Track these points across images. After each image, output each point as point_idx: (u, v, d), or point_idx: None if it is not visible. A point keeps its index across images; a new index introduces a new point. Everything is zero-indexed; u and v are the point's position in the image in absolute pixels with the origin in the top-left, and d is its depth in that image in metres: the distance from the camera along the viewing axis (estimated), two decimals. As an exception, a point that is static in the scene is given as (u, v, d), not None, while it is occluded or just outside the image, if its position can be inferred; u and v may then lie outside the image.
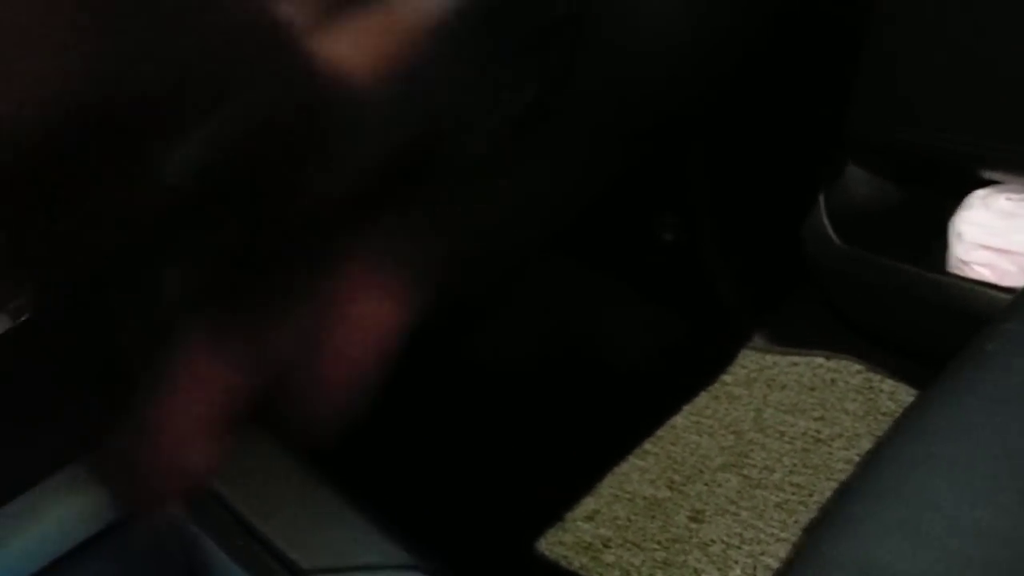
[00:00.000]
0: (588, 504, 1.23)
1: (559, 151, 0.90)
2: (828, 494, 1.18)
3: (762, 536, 1.15)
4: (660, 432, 1.30)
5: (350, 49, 0.22)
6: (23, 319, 0.48)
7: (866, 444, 1.24)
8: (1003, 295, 1.05)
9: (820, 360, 1.35)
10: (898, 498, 0.55)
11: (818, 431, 1.26)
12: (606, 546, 1.18)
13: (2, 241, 0.21)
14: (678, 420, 1.31)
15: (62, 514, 0.62)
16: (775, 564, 1.12)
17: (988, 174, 1.08)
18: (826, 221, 1.20)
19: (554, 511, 1.23)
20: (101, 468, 0.63)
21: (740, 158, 1.28)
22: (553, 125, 0.87)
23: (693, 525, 1.18)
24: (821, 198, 1.19)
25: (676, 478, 1.24)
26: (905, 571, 0.53)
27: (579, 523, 1.22)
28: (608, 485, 1.25)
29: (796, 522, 1.16)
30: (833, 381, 1.32)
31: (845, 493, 0.59)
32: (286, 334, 0.24)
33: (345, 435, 0.70)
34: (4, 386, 0.52)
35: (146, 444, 0.62)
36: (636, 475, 1.26)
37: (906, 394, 1.29)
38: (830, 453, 1.24)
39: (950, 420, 0.60)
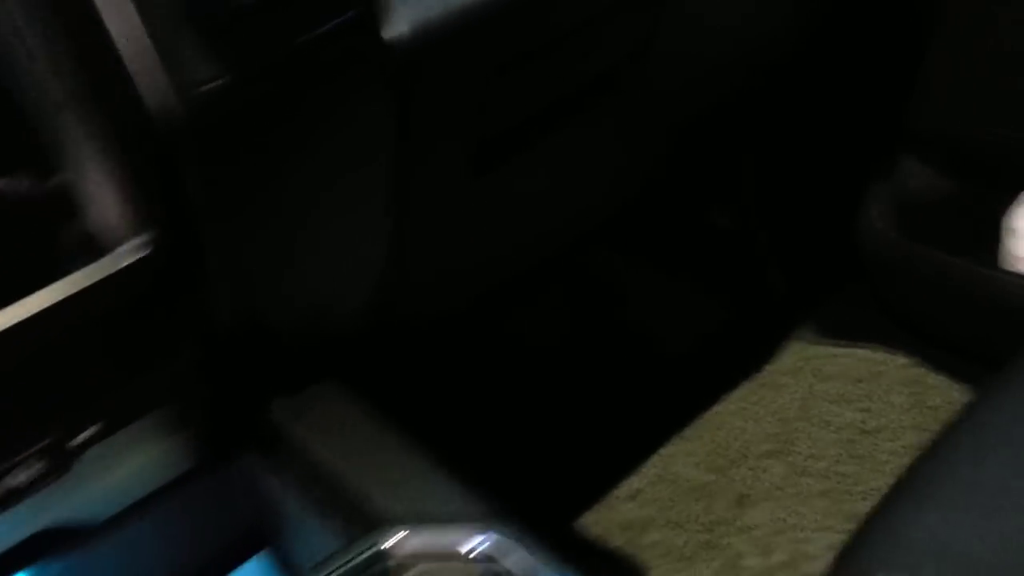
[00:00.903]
0: (631, 484, 1.25)
1: (624, 124, 0.91)
2: (873, 484, 1.19)
3: (805, 523, 1.16)
4: (705, 416, 1.31)
5: None
6: (142, 256, 0.50)
7: (912, 437, 1.25)
8: (1058, 291, 1.05)
9: (867, 352, 1.35)
10: (971, 482, 0.56)
11: (864, 422, 1.27)
12: (648, 526, 1.19)
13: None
14: (723, 406, 1.32)
15: (143, 459, 0.65)
16: (817, 552, 1.13)
17: (1047, 169, 1.08)
18: (878, 213, 1.20)
19: (597, 490, 1.25)
20: (182, 416, 0.65)
21: (796, 148, 1.28)
22: (622, 96, 0.88)
23: (737, 509, 1.19)
24: (874, 190, 1.20)
25: (720, 462, 1.25)
26: (976, 552, 0.54)
27: (622, 502, 1.23)
28: (652, 466, 1.27)
29: (840, 511, 1.17)
30: (880, 374, 1.32)
31: (917, 474, 0.60)
32: None
33: (409, 399, 0.72)
34: (101, 331, 0.54)
35: (225, 395, 0.64)
36: (680, 458, 1.27)
37: (953, 389, 1.29)
38: (875, 444, 1.24)
39: (1020, 408, 0.61)
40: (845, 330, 1.37)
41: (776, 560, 1.13)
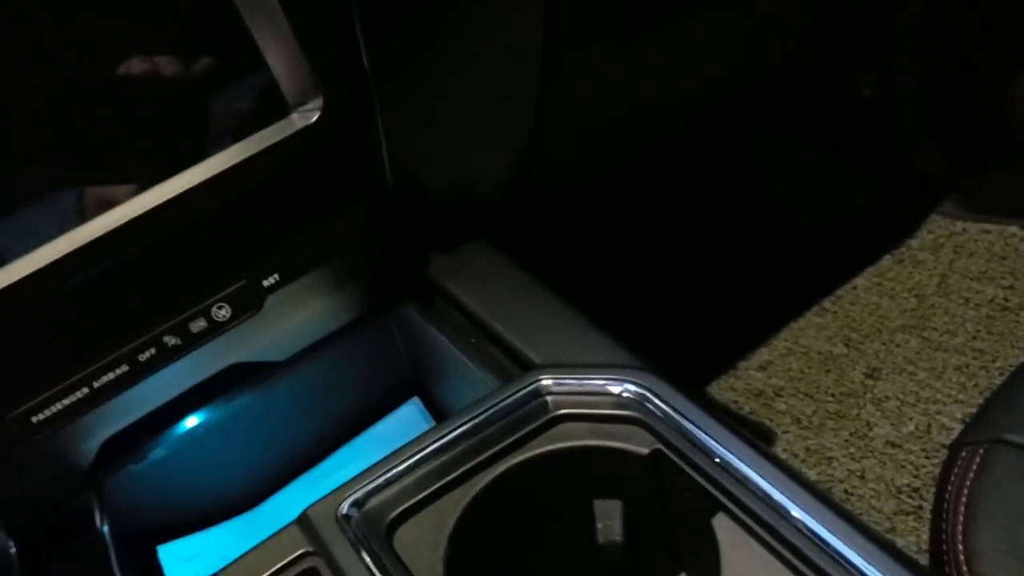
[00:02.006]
0: (762, 355, 1.27)
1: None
2: (1012, 360, 1.17)
3: (939, 396, 1.17)
4: (840, 292, 1.31)
5: None
6: (318, 117, 0.54)
7: (1055, 316, 1.22)
8: None
9: (1014, 229, 1.31)
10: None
11: (1006, 299, 1.25)
12: (778, 395, 1.22)
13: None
14: (859, 281, 1.32)
15: (318, 306, 0.70)
16: (951, 424, 1.14)
17: None
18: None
19: (726, 360, 1.27)
20: (352, 269, 0.70)
21: (951, 12, 1.22)
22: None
23: (868, 381, 1.20)
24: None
25: (853, 336, 1.26)
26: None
27: (752, 372, 1.25)
28: (783, 339, 1.28)
29: (976, 386, 1.16)
30: (1026, 251, 1.29)
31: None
32: None
33: (551, 265, 0.75)
34: (284, 187, 0.59)
35: (389, 250, 0.69)
36: (812, 331, 1.28)
37: (1103, 268, 1.25)
38: (1016, 322, 1.22)
39: None
40: (991, 205, 1.33)
41: (907, 430, 1.14)
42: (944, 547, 0.64)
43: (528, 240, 0.78)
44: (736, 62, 1.06)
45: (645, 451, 0.55)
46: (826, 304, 1.30)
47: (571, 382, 0.58)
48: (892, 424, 1.15)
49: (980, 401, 1.18)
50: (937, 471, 1.13)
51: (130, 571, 0.63)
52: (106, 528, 0.63)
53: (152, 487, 0.68)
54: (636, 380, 0.57)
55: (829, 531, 0.48)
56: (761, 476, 0.51)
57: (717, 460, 0.52)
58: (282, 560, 0.54)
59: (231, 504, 0.74)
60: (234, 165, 0.54)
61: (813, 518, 0.48)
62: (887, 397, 1.18)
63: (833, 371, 1.23)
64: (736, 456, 0.52)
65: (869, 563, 0.46)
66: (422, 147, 0.67)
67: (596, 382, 0.57)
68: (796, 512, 0.49)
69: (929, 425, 1.14)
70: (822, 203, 1.39)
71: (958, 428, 1.13)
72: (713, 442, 0.53)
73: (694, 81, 1.03)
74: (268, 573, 0.53)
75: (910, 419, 1.15)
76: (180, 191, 0.52)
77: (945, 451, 1.14)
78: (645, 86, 0.95)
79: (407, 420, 0.80)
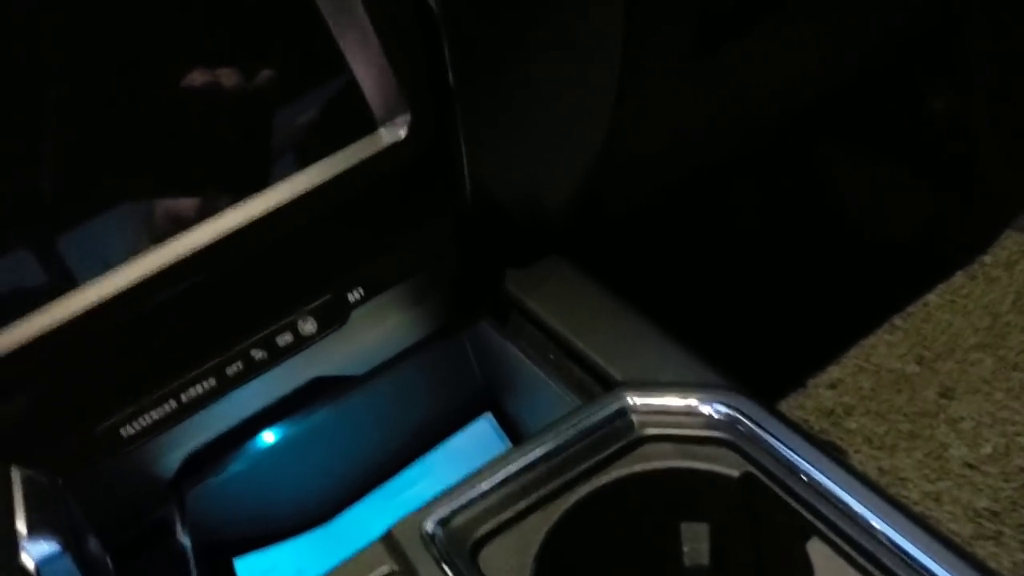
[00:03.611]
0: (832, 373, 1.24)
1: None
2: (1093, 381, 1.14)
3: (1017, 417, 1.13)
4: (911, 309, 1.28)
5: None
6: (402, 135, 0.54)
7: None
8: None
9: (1093, 246, 1.28)
10: None
11: (1085, 318, 1.21)
12: (848, 413, 1.19)
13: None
14: (931, 298, 1.29)
15: (397, 320, 0.70)
16: (1029, 445, 1.10)
17: None
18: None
19: (796, 377, 1.25)
20: (431, 284, 0.70)
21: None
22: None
23: (942, 401, 1.17)
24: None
25: (926, 354, 1.23)
26: None
27: (821, 390, 1.23)
28: (854, 356, 1.25)
29: (1055, 407, 1.13)
30: (1106, 268, 1.25)
31: None
32: None
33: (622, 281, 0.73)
34: (368, 203, 0.59)
35: (467, 266, 0.69)
36: (883, 348, 1.25)
37: None
38: (1096, 341, 1.19)
39: None
40: (1069, 222, 1.30)
41: (984, 452, 1.11)
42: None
43: (600, 257, 0.77)
44: (810, 75, 1.05)
45: (735, 474, 0.54)
46: (897, 321, 1.27)
47: (657, 401, 0.57)
48: (968, 446, 1.12)
49: (1060, 423, 1.15)
50: (1017, 495, 1.10)
51: (209, 583, 0.64)
52: (187, 540, 0.63)
53: (231, 500, 0.68)
54: (726, 400, 0.55)
55: (931, 559, 0.46)
56: (858, 500, 0.49)
57: (806, 480, 0.51)
58: (367, 578, 0.53)
59: (306, 517, 0.74)
60: (323, 182, 0.54)
61: (914, 545, 0.47)
62: (962, 418, 1.15)
63: (905, 390, 1.20)
64: (831, 480, 0.50)
65: (977, 595, 0.45)
66: (501, 162, 0.67)
67: (684, 402, 0.56)
68: (896, 538, 0.48)
69: (1008, 447, 1.11)
70: (893, 218, 1.36)
71: (1038, 451, 1.10)
72: (808, 465, 0.51)
73: (768, 94, 1.02)
74: (351, 591, 0.53)
75: (987, 440, 1.12)
76: (270, 208, 0.53)
77: (1024, 474, 1.11)
78: (719, 100, 0.94)
79: (480, 436, 0.79)
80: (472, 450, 0.79)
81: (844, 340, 1.27)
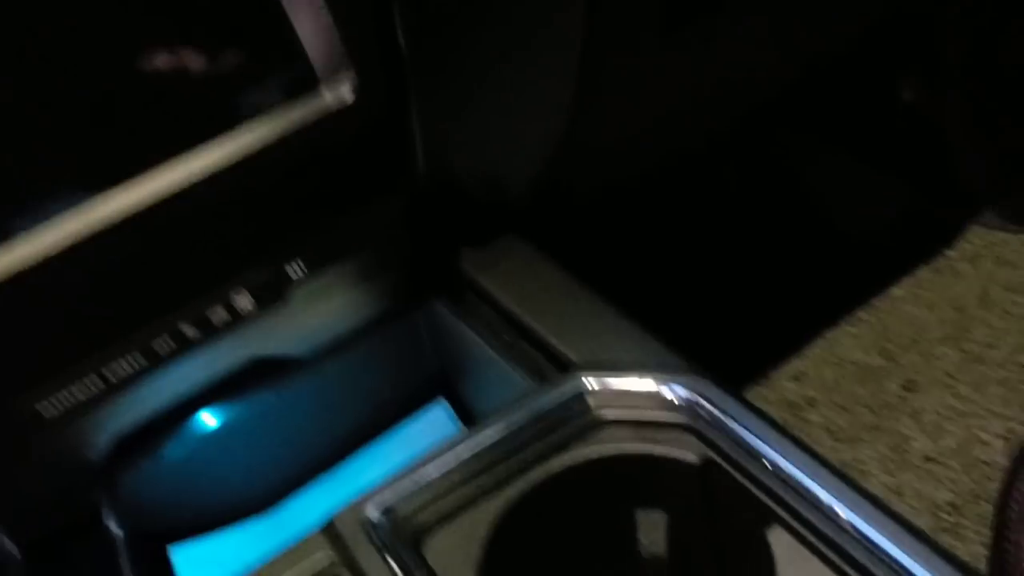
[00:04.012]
0: (795, 365, 1.23)
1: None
2: (1056, 375, 1.13)
3: (979, 411, 1.12)
4: (876, 301, 1.26)
5: None
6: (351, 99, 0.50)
7: (1101, 330, 1.18)
8: None
9: (1057, 240, 1.27)
10: None
11: (1049, 312, 1.20)
12: (811, 405, 1.18)
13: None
14: (896, 291, 1.27)
15: (344, 300, 0.67)
16: (991, 439, 1.09)
17: None
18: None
19: (758, 368, 1.23)
20: (381, 262, 0.66)
21: (1003, 17, 1.18)
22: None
23: (905, 394, 1.16)
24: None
25: (890, 347, 1.21)
26: None
27: (784, 382, 1.21)
28: (817, 348, 1.24)
29: (1017, 400, 1.12)
30: (1070, 263, 1.24)
31: None
32: None
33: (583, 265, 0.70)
34: (311, 170, 0.55)
35: (420, 243, 0.65)
36: (847, 341, 1.24)
37: None
38: (1060, 336, 1.18)
39: None
40: (1033, 216, 1.29)
41: (946, 445, 1.10)
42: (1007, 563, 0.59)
43: (560, 242, 0.74)
44: (779, 61, 1.03)
45: (695, 459, 0.51)
46: (861, 314, 1.26)
47: (615, 384, 0.54)
48: (930, 438, 1.11)
49: (1023, 416, 1.14)
50: (978, 488, 1.09)
51: (141, 571, 0.60)
52: (117, 529, 0.60)
53: (166, 486, 0.65)
54: (687, 383, 0.53)
55: (899, 549, 0.44)
56: (824, 488, 0.47)
57: (769, 467, 0.49)
58: (306, 573, 0.50)
59: (247, 506, 0.71)
60: (261, 145, 0.50)
61: (881, 534, 0.45)
62: (925, 410, 1.14)
63: (869, 383, 1.18)
64: (796, 467, 0.48)
65: (945, 586, 0.42)
66: (457, 138, 0.64)
67: (643, 384, 0.54)
68: (863, 528, 0.45)
69: (969, 440, 1.10)
70: (858, 209, 1.35)
71: (999, 444, 1.09)
72: (771, 451, 0.49)
73: (736, 81, 1.00)
74: (289, 583, 0.50)
75: (949, 433, 1.11)
76: (198, 171, 0.49)
77: (985, 467, 1.10)
78: (685, 85, 0.92)
79: (433, 422, 0.76)
80: (425, 437, 0.76)
81: (807, 332, 1.25)
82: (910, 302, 1.26)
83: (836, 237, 1.32)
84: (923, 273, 1.29)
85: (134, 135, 0.47)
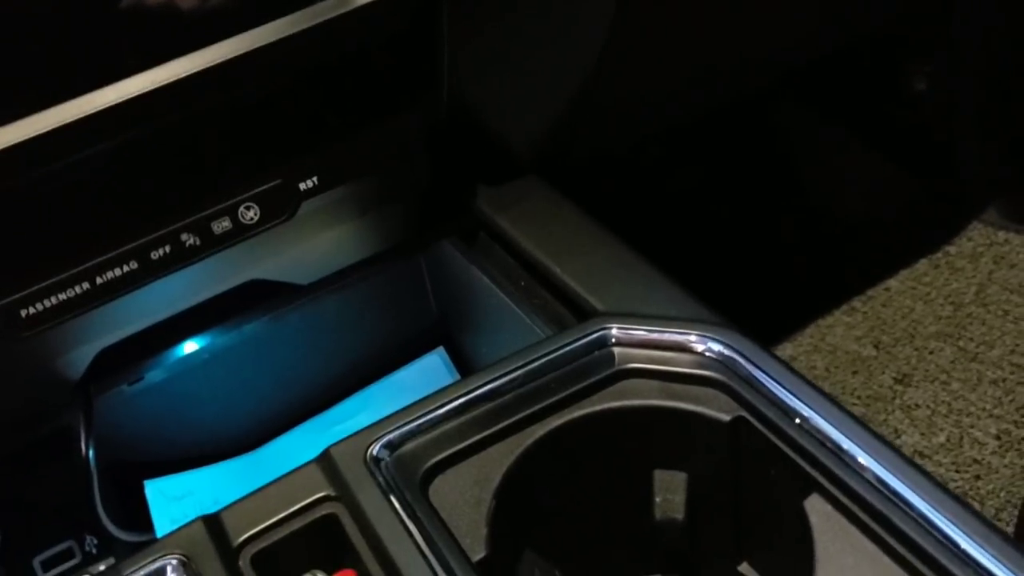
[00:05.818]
0: (785, 350, 1.20)
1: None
2: (1051, 378, 1.11)
3: (972, 409, 1.10)
4: (872, 292, 1.24)
5: None
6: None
7: (1097, 336, 1.16)
8: None
9: (1059, 244, 1.26)
10: None
11: (1047, 315, 1.19)
12: (801, 393, 1.15)
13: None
14: (893, 283, 1.25)
15: (354, 226, 0.63)
16: (984, 438, 1.07)
17: None
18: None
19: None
20: (396, 188, 0.62)
21: (1014, 14, 1.16)
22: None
23: (898, 387, 1.14)
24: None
25: (884, 339, 1.19)
26: None
27: (774, 367, 1.19)
28: (809, 335, 1.21)
29: (1012, 401, 1.10)
30: (1070, 267, 1.23)
31: None
32: None
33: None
34: (331, 76, 0.51)
35: (438, 175, 0.61)
36: (840, 329, 1.21)
37: None
38: (1057, 340, 1.16)
39: None
40: (1037, 218, 1.28)
41: (937, 441, 1.08)
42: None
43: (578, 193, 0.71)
44: (794, 37, 1.00)
45: (726, 418, 0.48)
46: (856, 304, 1.24)
47: (643, 334, 0.51)
48: (921, 433, 1.09)
49: (1017, 417, 1.12)
50: (968, 486, 1.07)
51: (113, 504, 0.56)
52: (91, 453, 0.55)
53: (145, 413, 0.60)
54: (720, 337, 0.49)
55: (950, 523, 0.41)
56: (867, 453, 0.44)
57: (806, 428, 0.45)
58: (297, 503, 0.46)
59: (228, 443, 0.67)
60: (285, 36, 0.46)
61: (931, 506, 0.41)
62: (917, 405, 1.12)
63: (861, 373, 1.16)
64: (837, 429, 0.45)
65: (999, 562, 0.39)
66: (484, 70, 0.60)
67: (673, 336, 0.50)
68: (910, 497, 0.42)
69: (961, 437, 1.08)
70: (860, 198, 1.33)
71: (992, 443, 1.07)
72: (810, 411, 0.46)
73: (752, 49, 0.97)
74: (279, 517, 0.46)
75: (941, 430, 1.09)
76: (217, 60, 0.45)
77: (977, 466, 1.08)
78: (704, 48, 0.88)
79: (429, 370, 0.72)
80: (419, 386, 0.72)
81: (800, 319, 1.23)
82: (907, 295, 1.24)
83: (834, 223, 1.30)
84: (921, 266, 1.27)
85: (153, 19, 0.43)
